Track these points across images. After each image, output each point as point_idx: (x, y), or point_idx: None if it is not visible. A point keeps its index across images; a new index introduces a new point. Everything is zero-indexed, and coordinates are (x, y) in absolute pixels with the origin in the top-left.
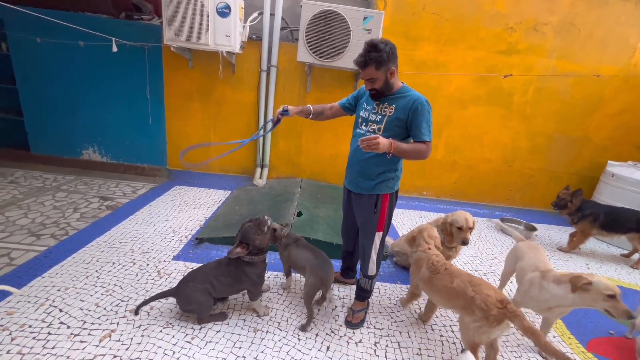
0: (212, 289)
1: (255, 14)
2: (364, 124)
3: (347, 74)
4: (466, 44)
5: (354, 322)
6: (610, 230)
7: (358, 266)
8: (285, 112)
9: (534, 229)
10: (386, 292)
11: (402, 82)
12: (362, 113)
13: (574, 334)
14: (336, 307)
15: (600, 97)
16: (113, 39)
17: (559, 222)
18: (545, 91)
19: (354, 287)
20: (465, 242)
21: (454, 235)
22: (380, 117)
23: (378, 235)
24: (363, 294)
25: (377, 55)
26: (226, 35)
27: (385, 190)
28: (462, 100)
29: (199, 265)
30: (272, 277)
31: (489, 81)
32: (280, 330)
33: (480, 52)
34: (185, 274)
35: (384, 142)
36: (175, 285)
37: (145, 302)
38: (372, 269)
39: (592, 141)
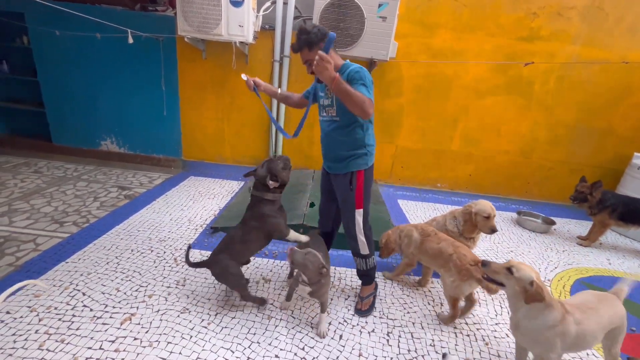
0: (241, 254)
1: (268, 3)
2: (322, 111)
3: (361, 63)
4: (485, 31)
5: (363, 309)
6: (628, 222)
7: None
8: (256, 88)
9: (553, 222)
10: (399, 283)
11: (345, 60)
12: (320, 101)
13: None
14: (349, 296)
15: (627, 86)
16: (129, 30)
17: (579, 217)
18: (568, 80)
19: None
20: (494, 230)
21: (478, 225)
22: (330, 100)
23: (359, 213)
24: (365, 277)
25: (307, 37)
26: (239, 25)
27: (358, 167)
28: (479, 89)
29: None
30: (285, 266)
31: (508, 69)
32: (294, 318)
33: (500, 39)
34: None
35: (330, 72)
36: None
37: (188, 260)
38: (363, 249)
39: (617, 132)
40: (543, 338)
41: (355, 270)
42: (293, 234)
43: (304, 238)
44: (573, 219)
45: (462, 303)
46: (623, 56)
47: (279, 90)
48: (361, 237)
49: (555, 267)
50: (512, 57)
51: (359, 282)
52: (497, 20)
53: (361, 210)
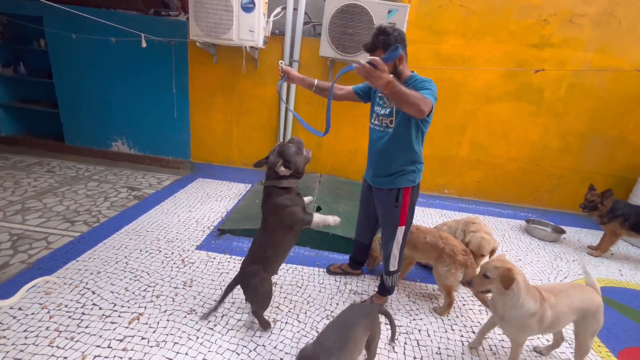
0: (274, 260)
1: (278, 9)
2: (376, 118)
3: None
4: (494, 37)
5: None
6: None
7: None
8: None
9: (562, 231)
10: (405, 290)
11: (412, 71)
12: (375, 107)
13: (604, 342)
14: (355, 301)
15: None
16: (142, 34)
17: (589, 226)
18: (580, 87)
19: (366, 279)
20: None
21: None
22: (389, 110)
23: (400, 230)
24: (385, 291)
25: (385, 39)
26: (250, 30)
27: (405, 184)
28: (488, 96)
29: (221, 255)
30: (291, 270)
31: (518, 76)
32: (299, 322)
33: (509, 45)
34: (243, 258)
35: (384, 79)
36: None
37: (217, 306)
38: (393, 265)
39: (630, 141)
40: (526, 325)
41: (349, 274)
42: (318, 218)
43: (331, 219)
44: (584, 228)
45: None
46: (636, 64)
47: (316, 82)
48: (396, 253)
49: (565, 277)
50: (522, 64)
51: (364, 287)
52: (507, 27)
53: (404, 227)
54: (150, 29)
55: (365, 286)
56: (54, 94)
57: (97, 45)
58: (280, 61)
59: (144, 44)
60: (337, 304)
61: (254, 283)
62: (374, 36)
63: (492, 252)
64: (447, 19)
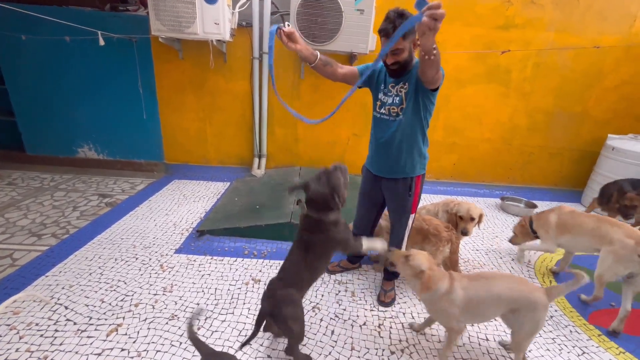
0: (307, 285)
1: (243, 0)
2: (382, 107)
3: (341, 58)
4: (463, 21)
5: (386, 301)
6: None
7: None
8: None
9: (535, 206)
10: None
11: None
12: (380, 95)
13: (575, 307)
14: (339, 292)
15: (600, 70)
16: (99, 32)
17: (560, 199)
18: (544, 66)
19: (357, 271)
20: (463, 233)
21: (457, 225)
22: (398, 98)
23: (411, 217)
24: (393, 274)
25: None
26: (215, 22)
27: (418, 172)
28: (460, 79)
29: (201, 257)
30: (274, 266)
31: (487, 58)
32: None
33: (477, 28)
34: (268, 282)
35: (436, 31)
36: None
37: (249, 340)
38: (403, 249)
39: (592, 115)
40: (439, 307)
41: (348, 269)
42: (366, 245)
43: (379, 243)
44: (554, 201)
45: None
46: (595, 40)
47: (319, 55)
48: (406, 239)
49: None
50: (490, 46)
51: (348, 277)
52: (474, 10)
53: (414, 214)
54: (108, 25)
55: (349, 275)
56: (8, 100)
57: (52, 46)
58: (285, 23)
59: (101, 42)
60: (322, 295)
61: (293, 309)
62: (394, 19)
63: (480, 217)
64: None
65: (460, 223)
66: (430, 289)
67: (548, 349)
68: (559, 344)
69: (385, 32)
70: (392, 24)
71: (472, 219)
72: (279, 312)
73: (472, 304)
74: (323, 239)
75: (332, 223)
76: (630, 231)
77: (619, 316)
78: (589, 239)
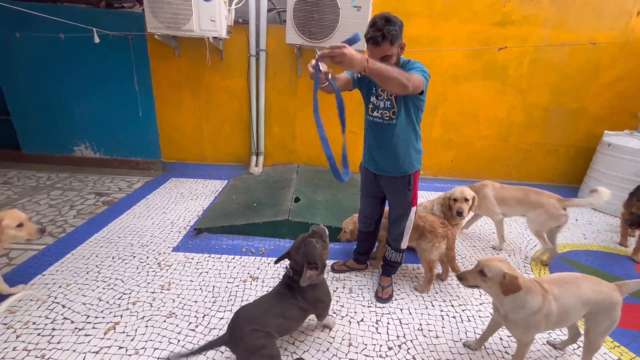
0: (277, 331)
1: None
2: (375, 110)
3: None
4: (459, 17)
5: (384, 297)
6: None
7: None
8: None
9: None
10: None
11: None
12: (372, 99)
13: None
14: (337, 288)
15: (596, 66)
16: (94, 29)
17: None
18: (541, 62)
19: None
20: (459, 213)
21: (452, 209)
22: (389, 102)
23: (413, 210)
24: (391, 269)
25: (393, 29)
26: (211, 19)
27: (415, 169)
28: (456, 76)
29: (199, 254)
30: (271, 264)
31: (483, 55)
32: None
33: (474, 25)
34: (235, 312)
35: (360, 58)
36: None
37: (191, 354)
38: (404, 243)
39: (589, 112)
40: (531, 324)
41: (353, 269)
42: (329, 320)
43: (332, 325)
44: None
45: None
46: (590, 37)
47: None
48: (408, 231)
49: (535, 245)
50: (487, 43)
51: (346, 273)
52: (470, 6)
53: (415, 207)
54: (103, 22)
55: (347, 272)
56: (3, 99)
57: (47, 44)
58: (318, 51)
59: (96, 39)
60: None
61: (247, 345)
62: (382, 26)
63: (473, 199)
64: (412, 1)
65: (454, 205)
66: (519, 287)
67: (543, 344)
68: (553, 338)
69: (374, 41)
70: (381, 32)
71: (466, 200)
72: (233, 345)
73: (563, 313)
74: (302, 295)
75: (310, 286)
76: (550, 194)
77: (541, 249)
78: (521, 207)
